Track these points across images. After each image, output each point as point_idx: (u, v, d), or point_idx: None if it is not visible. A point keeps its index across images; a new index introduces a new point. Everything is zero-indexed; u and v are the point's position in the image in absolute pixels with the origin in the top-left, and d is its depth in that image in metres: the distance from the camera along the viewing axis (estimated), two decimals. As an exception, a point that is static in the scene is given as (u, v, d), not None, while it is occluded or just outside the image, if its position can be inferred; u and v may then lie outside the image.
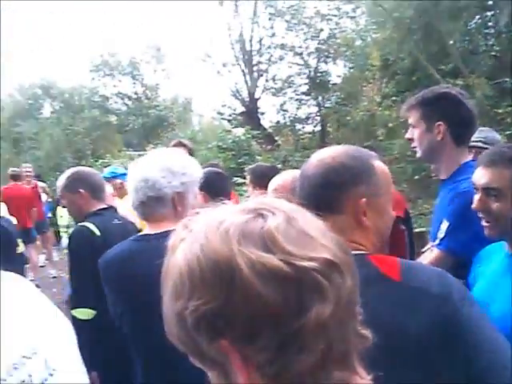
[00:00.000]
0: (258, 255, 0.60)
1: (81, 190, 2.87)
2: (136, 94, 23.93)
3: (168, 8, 27.38)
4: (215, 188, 2.99)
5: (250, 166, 4.14)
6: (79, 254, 2.66)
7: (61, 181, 2.92)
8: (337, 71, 20.91)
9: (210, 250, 0.62)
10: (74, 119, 20.97)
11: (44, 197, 9.96)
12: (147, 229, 1.99)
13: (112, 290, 1.94)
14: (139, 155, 16.15)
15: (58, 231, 8.19)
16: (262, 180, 3.48)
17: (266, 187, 2.50)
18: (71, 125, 20.13)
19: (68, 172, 2.99)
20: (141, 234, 2.03)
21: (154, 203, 1.93)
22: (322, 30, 18.62)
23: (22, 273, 3.85)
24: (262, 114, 20.79)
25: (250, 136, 14.83)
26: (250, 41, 20.32)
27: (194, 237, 0.65)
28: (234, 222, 0.64)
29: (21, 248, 4.04)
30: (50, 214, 10.31)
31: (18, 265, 3.91)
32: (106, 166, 8.83)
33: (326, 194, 1.21)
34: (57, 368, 0.76)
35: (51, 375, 0.74)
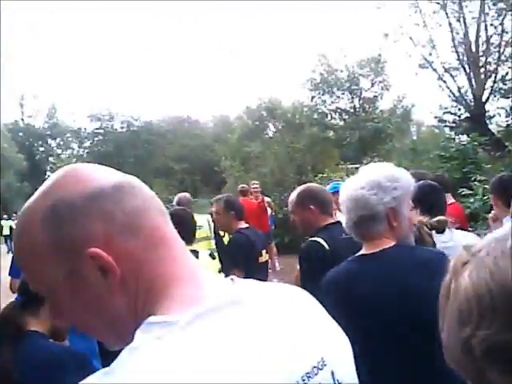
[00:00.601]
0: None
1: (311, 206, 2.92)
2: (353, 108, 24.10)
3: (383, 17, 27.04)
4: (429, 202, 2.77)
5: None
6: (310, 267, 2.71)
7: (292, 197, 3.01)
8: None
9: (501, 277, 0.57)
10: (295, 137, 21.97)
11: (269, 211, 10.53)
12: (364, 248, 1.95)
13: (333, 307, 1.85)
14: (356, 168, 16.17)
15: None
16: (503, 192, 3.23)
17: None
18: (292, 142, 21.12)
19: (298, 189, 3.06)
20: (358, 254, 1.97)
21: (368, 222, 1.88)
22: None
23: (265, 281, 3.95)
24: (490, 118, 19.00)
25: (476, 143, 13.58)
26: (476, 41, 18.84)
27: (481, 261, 0.60)
28: None
29: (264, 257, 4.19)
30: (273, 227, 10.86)
31: (262, 273, 4.03)
32: (327, 181, 8.93)
33: None
34: (342, 382, 0.77)
35: None
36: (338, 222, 2.98)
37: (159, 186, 24.31)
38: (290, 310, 0.78)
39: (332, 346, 0.79)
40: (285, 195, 14.33)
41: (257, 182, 10.38)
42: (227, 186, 21.02)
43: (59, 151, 47.62)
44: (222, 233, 7.69)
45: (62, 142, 47.71)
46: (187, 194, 6.34)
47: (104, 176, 0.74)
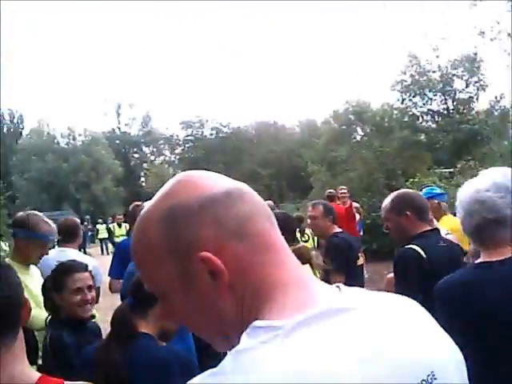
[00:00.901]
0: None
1: (407, 212, 2.80)
2: (447, 109, 23.07)
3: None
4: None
5: None
6: (405, 276, 2.62)
7: (386, 203, 2.90)
8: None
9: None
10: (385, 141, 21.38)
11: (357, 216, 10.28)
12: (485, 255, 1.81)
13: (449, 318, 1.74)
14: (449, 173, 15.43)
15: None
16: None
17: None
18: (382, 146, 20.59)
19: (393, 194, 2.95)
20: (480, 261, 1.83)
21: (493, 226, 1.76)
22: None
23: (362, 285, 4.01)
24: None
25: None
26: None
27: None
28: None
29: (360, 260, 4.24)
30: (361, 233, 10.59)
31: (359, 277, 4.10)
32: (420, 186, 8.57)
33: None
34: None
35: None
36: (436, 229, 2.91)
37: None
38: (400, 320, 0.76)
39: (443, 360, 0.76)
40: (373, 200, 13.93)
41: (344, 187, 10.18)
42: (313, 191, 20.90)
43: (152, 158, 49.78)
44: (306, 237, 7.63)
45: (155, 149, 49.86)
46: (270, 202, 6.50)
47: (217, 182, 0.78)
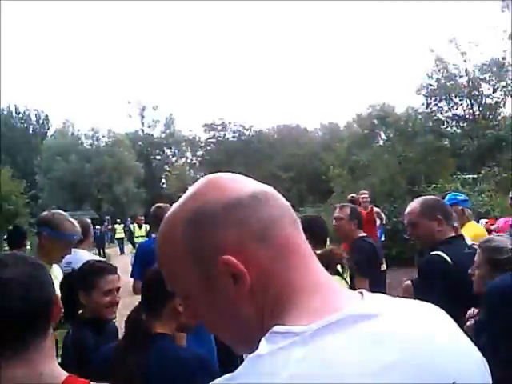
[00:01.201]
0: None
1: (439, 216, 2.75)
2: (473, 115, 22.74)
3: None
4: None
5: None
6: (431, 282, 2.58)
7: (413, 208, 2.83)
8: None
9: None
10: (408, 145, 21.14)
11: (378, 221, 10.17)
12: None
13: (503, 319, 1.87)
14: (472, 179, 15.18)
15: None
16: None
17: None
18: (404, 151, 20.38)
19: (419, 200, 2.90)
20: None
21: None
22: None
23: (384, 291, 3.95)
24: None
25: None
26: None
27: None
28: None
29: (384, 266, 4.26)
30: (382, 238, 10.47)
31: (382, 282, 4.08)
32: (443, 192, 8.44)
33: None
34: None
35: None
36: (461, 236, 2.86)
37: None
38: (424, 327, 0.74)
39: (467, 370, 0.74)
40: (394, 206, 13.77)
41: (366, 192, 10.08)
42: (334, 195, 20.75)
43: (174, 159, 50.12)
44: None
45: (177, 151, 50.21)
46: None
47: (242, 186, 0.78)
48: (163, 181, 47.58)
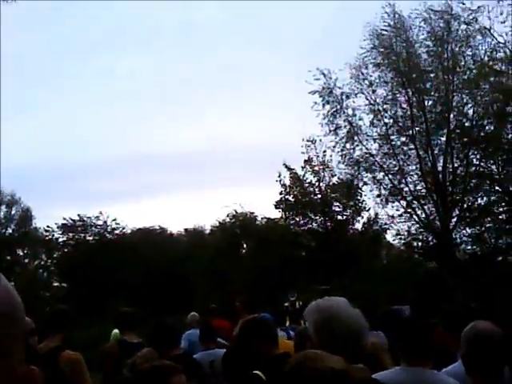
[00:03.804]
0: None
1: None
2: (326, 229, 24.41)
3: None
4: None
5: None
6: None
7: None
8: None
9: None
10: (268, 255, 21.79)
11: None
12: None
13: None
14: (324, 290, 16.00)
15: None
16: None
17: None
18: (265, 261, 20.96)
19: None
20: None
21: None
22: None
23: None
24: (457, 245, 19.40)
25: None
26: (443, 172, 19.81)
27: None
28: None
29: None
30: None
31: None
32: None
33: None
34: None
35: None
36: None
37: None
38: None
39: None
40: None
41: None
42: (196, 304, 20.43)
43: (26, 260, 46.43)
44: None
45: (29, 252, 46.71)
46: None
47: None
48: (12, 284, 43.35)
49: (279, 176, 24.52)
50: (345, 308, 2.33)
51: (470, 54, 19.76)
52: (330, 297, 2.50)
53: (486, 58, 19.15)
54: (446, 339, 3.50)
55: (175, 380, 2.31)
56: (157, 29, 49.49)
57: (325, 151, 23.36)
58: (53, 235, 42.10)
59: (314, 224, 24.90)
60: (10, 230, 46.42)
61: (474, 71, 19.23)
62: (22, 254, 46.96)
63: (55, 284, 39.59)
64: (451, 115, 19.94)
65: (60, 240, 41.51)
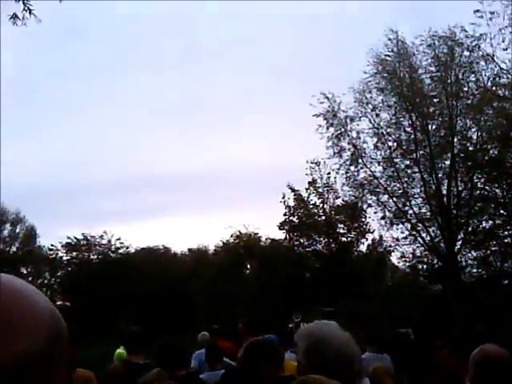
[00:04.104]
0: None
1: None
2: (330, 251, 24.40)
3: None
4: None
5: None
6: None
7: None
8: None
9: None
10: (271, 276, 21.75)
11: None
12: None
13: None
14: (329, 311, 15.99)
15: None
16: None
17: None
18: (269, 281, 20.93)
19: None
20: None
21: None
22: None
23: None
24: (462, 268, 19.37)
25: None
26: (447, 195, 19.89)
27: None
28: None
29: None
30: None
31: None
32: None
33: None
34: None
35: None
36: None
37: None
38: None
39: None
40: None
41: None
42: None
43: (30, 279, 46.39)
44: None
45: (33, 270, 46.69)
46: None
47: None
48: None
49: (283, 197, 24.67)
50: (335, 332, 2.29)
51: (474, 79, 20.00)
52: (322, 320, 2.48)
53: (489, 84, 19.39)
54: (451, 362, 3.53)
55: None
56: (157, 50, 50.43)
57: (329, 173, 23.56)
58: (57, 254, 42.16)
59: (319, 245, 24.90)
60: (14, 248, 46.53)
61: (478, 96, 19.45)
62: (25, 272, 46.97)
63: (58, 302, 39.36)
64: (455, 139, 20.11)
65: (64, 259, 41.55)
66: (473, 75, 20.01)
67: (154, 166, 53.27)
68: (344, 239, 24.73)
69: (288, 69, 42.76)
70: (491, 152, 19.72)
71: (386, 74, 20.91)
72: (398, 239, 21.30)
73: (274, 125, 47.11)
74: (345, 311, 15.57)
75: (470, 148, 20.02)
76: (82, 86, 51.97)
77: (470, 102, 19.83)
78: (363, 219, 24.23)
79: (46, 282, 45.08)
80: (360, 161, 21.64)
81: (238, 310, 19.92)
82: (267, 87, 48.23)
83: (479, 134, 19.90)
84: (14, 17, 7.04)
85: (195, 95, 51.35)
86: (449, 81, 20.14)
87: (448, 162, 20.21)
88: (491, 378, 2.71)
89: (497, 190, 19.57)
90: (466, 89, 20.17)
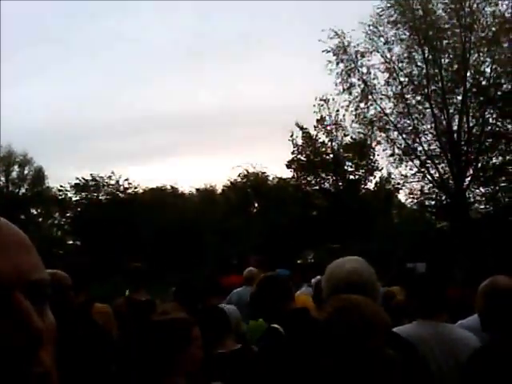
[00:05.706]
0: None
1: None
2: (338, 189, 24.40)
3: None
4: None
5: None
6: None
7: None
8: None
9: None
10: (279, 214, 21.90)
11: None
12: None
13: None
14: (336, 248, 16.13)
15: None
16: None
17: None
18: (276, 220, 21.05)
19: None
20: None
21: None
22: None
23: None
24: (470, 204, 19.36)
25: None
26: (458, 131, 19.58)
27: None
28: None
29: None
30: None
31: None
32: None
33: None
34: None
35: None
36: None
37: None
38: None
39: None
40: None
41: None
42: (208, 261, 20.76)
43: (40, 219, 47.07)
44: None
45: (44, 211, 47.27)
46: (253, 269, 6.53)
47: None
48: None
49: (291, 136, 24.40)
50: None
51: (489, 11, 19.21)
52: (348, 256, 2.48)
53: (507, 15, 18.63)
54: (465, 294, 3.46)
55: (195, 331, 2.41)
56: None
57: (338, 110, 23.16)
58: (66, 194, 42.56)
59: (326, 184, 24.88)
60: (23, 190, 46.94)
61: (493, 29, 18.74)
62: (35, 212, 47.61)
63: (69, 242, 40.17)
64: (468, 74, 19.57)
65: (73, 199, 41.95)
66: (488, 7, 19.21)
67: (161, 107, 52.81)
68: (352, 177, 24.67)
69: (298, 5, 41.20)
70: (504, 87, 19.23)
71: (398, 6, 20.11)
72: (406, 176, 21.20)
73: (283, 62, 45.97)
74: (352, 248, 15.70)
75: (483, 82, 19.52)
76: (90, 24, 50.62)
77: (484, 34, 19.13)
78: (371, 157, 24.07)
79: (56, 222, 45.74)
80: (370, 97, 21.19)
81: (246, 249, 20.19)
82: (276, 24, 46.78)
83: (493, 67, 19.34)
84: None
85: (204, 32, 50.05)
86: (463, 12, 19.35)
87: (460, 98, 19.77)
88: (500, 309, 2.60)
89: (508, 126, 19.23)
90: (481, 20, 19.41)
